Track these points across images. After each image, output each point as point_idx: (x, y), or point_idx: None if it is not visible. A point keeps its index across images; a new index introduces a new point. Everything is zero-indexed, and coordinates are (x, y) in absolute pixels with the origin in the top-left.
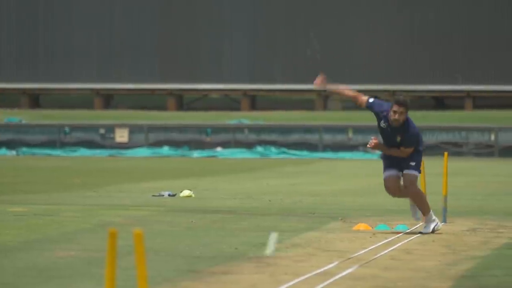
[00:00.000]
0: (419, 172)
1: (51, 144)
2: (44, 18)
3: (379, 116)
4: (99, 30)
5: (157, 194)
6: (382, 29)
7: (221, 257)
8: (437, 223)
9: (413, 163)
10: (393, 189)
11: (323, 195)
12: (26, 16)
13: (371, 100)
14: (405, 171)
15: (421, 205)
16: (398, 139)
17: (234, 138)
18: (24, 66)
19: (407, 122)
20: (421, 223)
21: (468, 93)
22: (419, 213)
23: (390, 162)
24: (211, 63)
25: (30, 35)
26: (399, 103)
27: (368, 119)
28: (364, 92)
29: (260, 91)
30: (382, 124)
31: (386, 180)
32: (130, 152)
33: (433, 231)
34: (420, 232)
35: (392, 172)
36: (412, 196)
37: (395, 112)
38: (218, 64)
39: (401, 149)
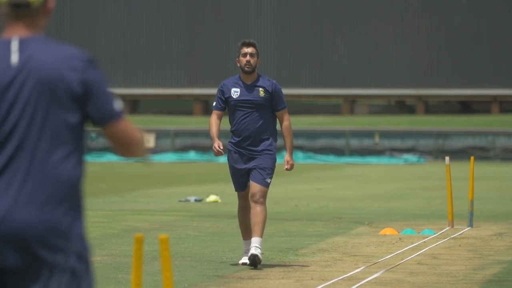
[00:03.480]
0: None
1: None
2: (70, 24)
3: None
4: (125, 36)
5: (183, 199)
6: (408, 34)
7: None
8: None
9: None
10: None
11: (350, 200)
12: (52, 22)
13: None
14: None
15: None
16: None
17: None
18: None
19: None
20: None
21: (495, 98)
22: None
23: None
24: (238, 68)
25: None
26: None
27: (395, 123)
28: (390, 97)
29: (287, 96)
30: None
31: None
32: (156, 157)
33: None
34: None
35: None
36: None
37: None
38: None
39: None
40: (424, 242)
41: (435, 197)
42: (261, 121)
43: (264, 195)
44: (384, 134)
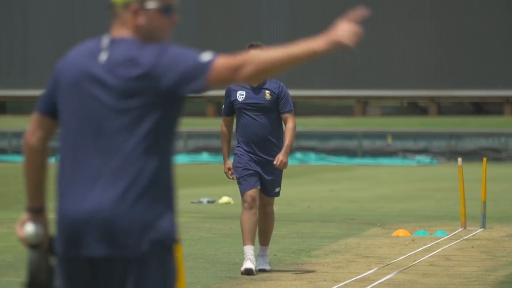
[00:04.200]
0: None
1: None
2: (81, 27)
3: None
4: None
5: (196, 201)
6: (421, 35)
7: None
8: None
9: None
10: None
11: (362, 201)
12: (65, 24)
13: None
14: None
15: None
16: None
17: None
18: None
19: None
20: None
21: (508, 99)
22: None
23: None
24: None
25: (68, 42)
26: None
27: (407, 124)
28: (402, 98)
29: (299, 98)
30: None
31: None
32: None
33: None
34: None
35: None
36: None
37: None
38: None
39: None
40: (437, 243)
41: (448, 198)
42: (269, 126)
43: (271, 204)
44: (397, 136)
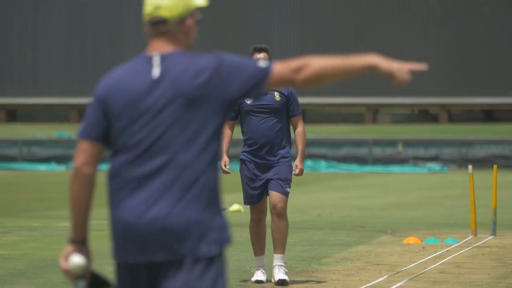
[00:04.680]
0: None
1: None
2: (93, 33)
3: None
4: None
5: None
6: (431, 43)
7: (271, 271)
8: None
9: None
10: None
11: (373, 208)
12: (76, 31)
13: None
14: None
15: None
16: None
17: None
18: (73, 81)
19: None
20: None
21: None
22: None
23: None
24: None
25: (79, 50)
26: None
27: (418, 132)
28: (413, 105)
29: (310, 105)
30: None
31: None
32: None
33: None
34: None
35: None
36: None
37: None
38: None
39: None
40: (447, 251)
41: (458, 205)
42: (279, 127)
43: (285, 205)
44: (407, 143)
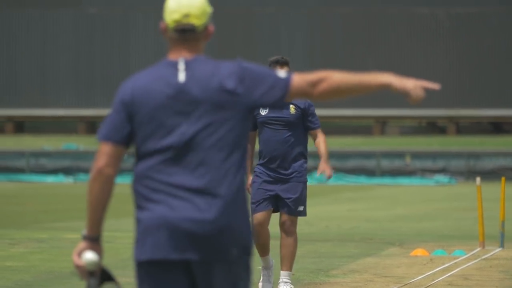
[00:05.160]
0: None
1: None
2: (101, 45)
3: None
4: (155, 55)
5: None
6: (439, 55)
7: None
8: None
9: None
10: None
11: (381, 220)
12: (84, 43)
13: None
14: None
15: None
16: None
17: None
18: (81, 93)
19: None
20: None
21: None
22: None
23: None
24: None
25: (87, 62)
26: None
27: (426, 144)
28: (421, 118)
29: (319, 118)
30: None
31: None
32: None
33: None
34: None
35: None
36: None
37: None
38: None
39: None
40: (455, 263)
41: (466, 218)
42: (292, 141)
43: (295, 224)
44: (415, 155)
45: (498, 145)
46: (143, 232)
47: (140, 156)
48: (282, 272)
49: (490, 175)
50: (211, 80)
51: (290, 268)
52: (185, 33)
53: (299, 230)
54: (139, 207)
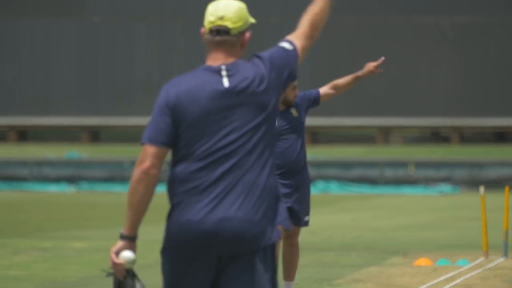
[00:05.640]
0: None
1: (110, 179)
2: (104, 54)
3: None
4: (159, 63)
5: None
6: (444, 64)
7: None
8: None
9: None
10: None
11: (384, 230)
12: (87, 52)
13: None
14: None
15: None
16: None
17: None
18: (84, 102)
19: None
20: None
21: None
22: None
23: None
24: None
25: (90, 71)
26: None
27: (430, 153)
28: (425, 127)
29: (322, 128)
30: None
31: None
32: None
33: None
34: None
35: None
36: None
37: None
38: None
39: None
40: (459, 272)
41: (470, 227)
42: (301, 147)
43: (298, 233)
44: (419, 164)
45: (502, 154)
46: (177, 233)
47: (182, 159)
48: (285, 282)
49: (493, 184)
50: (252, 83)
51: (293, 278)
52: (220, 35)
53: (302, 239)
54: (177, 208)
